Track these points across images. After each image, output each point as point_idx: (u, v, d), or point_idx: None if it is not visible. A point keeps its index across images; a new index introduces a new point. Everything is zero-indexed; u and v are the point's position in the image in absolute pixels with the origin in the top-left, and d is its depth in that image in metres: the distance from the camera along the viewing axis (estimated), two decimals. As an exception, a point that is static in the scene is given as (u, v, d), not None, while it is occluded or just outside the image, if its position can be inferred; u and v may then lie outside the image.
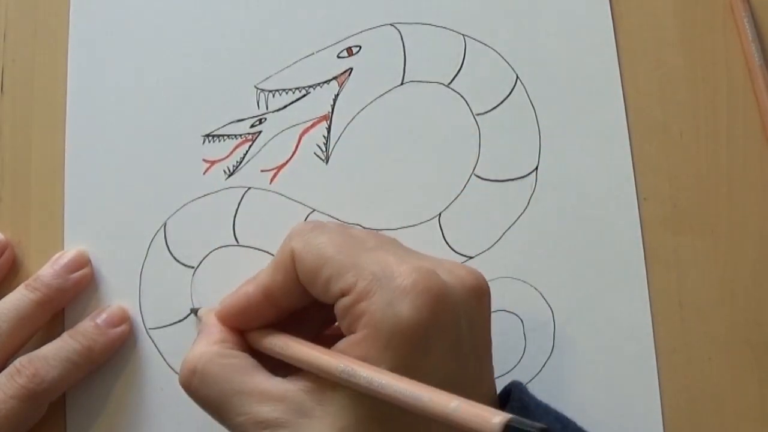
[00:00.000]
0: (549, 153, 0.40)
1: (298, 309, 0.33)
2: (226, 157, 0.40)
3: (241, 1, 0.41)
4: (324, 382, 0.30)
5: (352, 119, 0.40)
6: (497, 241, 0.39)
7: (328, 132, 0.40)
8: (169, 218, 0.39)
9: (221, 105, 0.40)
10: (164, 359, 0.38)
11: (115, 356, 0.37)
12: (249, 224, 0.39)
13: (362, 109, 0.40)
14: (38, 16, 0.41)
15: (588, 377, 0.38)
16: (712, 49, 0.42)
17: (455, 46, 0.41)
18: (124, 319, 0.38)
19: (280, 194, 0.40)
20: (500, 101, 0.41)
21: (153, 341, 0.38)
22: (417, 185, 0.40)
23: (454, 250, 0.39)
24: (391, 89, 0.41)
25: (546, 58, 0.41)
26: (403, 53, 0.41)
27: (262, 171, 0.40)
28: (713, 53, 0.42)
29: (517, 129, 0.40)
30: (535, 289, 0.39)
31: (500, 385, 0.34)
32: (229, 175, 0.40)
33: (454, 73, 0.41)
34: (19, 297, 0.36)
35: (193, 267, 0.39)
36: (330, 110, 0.40)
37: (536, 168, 0.40)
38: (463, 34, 0.41)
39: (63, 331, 0.37)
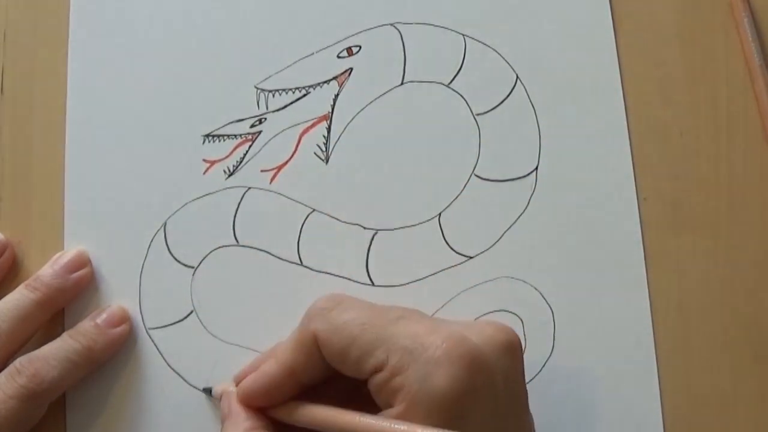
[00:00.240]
0: (549, 153, 0.40)
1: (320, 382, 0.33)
2: (226, 157, 0.40)
3: (241, 1, 0.41)
4: None
5: (352, 119, 0.40)
6: (497, 241, 0.39)
7: (328, 132, 0.40)
8: (169, 218, 0.39)
9: (221, 105, 0.40)
10: (164, 359, 0.38)
11: (115, 356, 0.37)
12: (249, 224, 0.39)
13: (362, 109, 0.40)
14: (38, 16, 0.41)
15: (588, 377, 0.38)
16: (712, 49, 0.42)
17: (455, 46, 0.41)
18: (124, 319, 0.38)
19: (280, 194, 0.40)
20: (500, 101, 0.41)
21: (153, 341, 0.38)
22: (417, 185, 0.40)
23: (454, 250, 0.39)
24: (391, 89, 0.41)
25: (546, 58, 0.41)
26: (403, 53, 0.41)
27: (262, 171, 0.40)
28: (713, 53, 0.42)
29: (517, 129, 0.40)
30: (535, 289, 0.39)
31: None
32: (229, 175, 0.40)
33: (454, 73, 0.41)
34: (19, 297, 0.36)
35: (193, 267, 0.39)
36: (330, 110, 0.40)
37: (536, 168, 0.40)
38: (463, 34, 0.41)
39: (63, 331, 0.37)
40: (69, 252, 0.38)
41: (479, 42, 0.41)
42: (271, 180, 0.40)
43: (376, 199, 0.40)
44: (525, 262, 0.39)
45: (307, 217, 0.39)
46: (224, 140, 0.40)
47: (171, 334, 0.38)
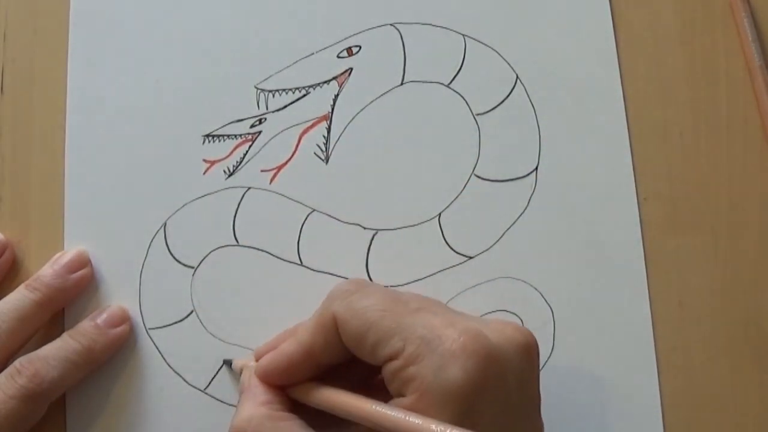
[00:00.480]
0: (549, 153, 0.40)
1: (339, 364, 0.33)
2: (226, 157, 0.40)
3: (241, 1, 0.41)
4: None
5: (352, 119, 0.40)
6: (497, 241, 0.39)
7: (328, 132, 0.40)
8: (169, 218, 0.39)
9: (221, 105, 0.40)
10: (164, 359, 0.38)
11: (115, 356, 0.37)
12: (249, 224, 0.39)
13: (362, 109, 0.40)
14: (38, 16, 0.41)
15: (588, 377, 0.38)
16: (712, 49, 0.42)
17: (455, 46, 0.41)
18: (124, 319, 0.38)
19: (280, 194, 0.40)
20: (500, 101, 0.41)
21: (153, 341, 0.38)
22: (417, 185, 0.40)
23: (454, 250, 0.39)
24: (391, 89, 0.41)
25: (546, 58, 0.41)
26: (403, 53, 0.41)
27: (262, 171, 0.40)
28: (713, 53, 0.42)
29: (517, 129, 0.40)
30: (535, 289, 0.39)
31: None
32: (229, 175, 0.40)
33: (454, 73, 0.41)
34: (20, 297, 0.36)
35: (193, 267, 0.39)
36: (330, 110, 0.40)
37: (536, 168, 0.40)
38: (463, 34, 0.41)
39: (63, 331, 0.37)
40: (69, 252, 0.38)
41: (479, 42, 0.41)
42: (271, 180, 0.40)
43: (376, 199, 0.40)
44: (525, 262, 0.39)
45: (307, 217, 0.39)
46: (224, 140, 0.40)
47: (171, 334, 0.38)
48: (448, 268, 0.39)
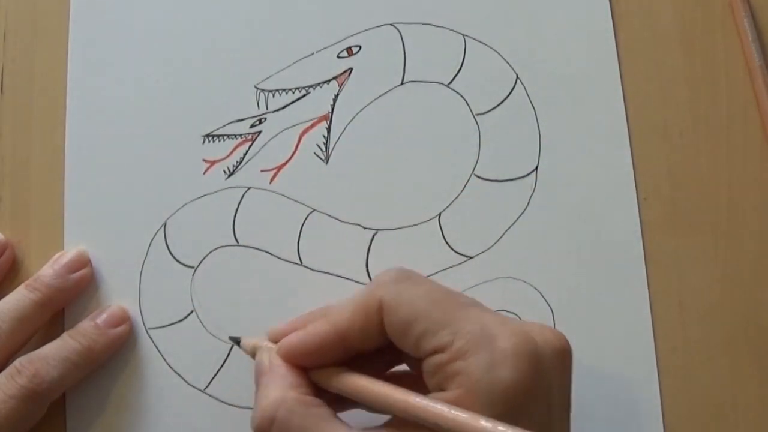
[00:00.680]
0: (549, 153, 0.40)
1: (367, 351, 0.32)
2: (226, 157, 0.40)
3: (241, 1, 0.41)
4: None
5: (352, 119, 0.40)
6: (497, 241, 0.39)
7: (328, 132, 0.40)
8: (169, 218, 0.39)
9: (221, 105, 0.40)
10: (164, 359, 0.38)
11: (115, 356, 0.37)
12: (249, 224, 0.39)
13: (362, 109, 0.40)
14: (38, 16, 0.41)
15: (588, 377, 0.38)
16: (712, 49, 0.42)
17: (455, 46, 0.41)
18: (124, 319, 0.38)
19: (280, 194, 0.40)
20: (500, 101, 0.41)
21: (153, 341, 0.38)
22: (417, 185, 0.40)
23: (454, 250, 0.39)
24: (391, 89, 0.41)
25: (546, 58, 0.41)
26: (403, 53, 0.41)
27: (262, 171, 0.40)
28: (713, 53, 0.42)
29: (517, 129, 0.40)
30: (535, 289, 0.39)
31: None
32: (229, 175, 0.40)
33: (454, 73, 0.41)
34: (19, 297, 0.36)
35: (193, 267, 0.39)
36: (330, 110, 0.40)
37: (536, 168, 0.40)
38: (463, 34, 0.41)
39: (63, 331, 0.37)
40: (69, 252, 0.38)
41: (479, 42, 0.41)
42: (271, 180, 0.40)
43: (376, 199, 0.40)
44: (525, 262, 0.39)
45: (307, 217, 0.39)
46: (224, 140, 0.40)
47: (171, 334, 0.38)
48: (448, 268, 0.39)
